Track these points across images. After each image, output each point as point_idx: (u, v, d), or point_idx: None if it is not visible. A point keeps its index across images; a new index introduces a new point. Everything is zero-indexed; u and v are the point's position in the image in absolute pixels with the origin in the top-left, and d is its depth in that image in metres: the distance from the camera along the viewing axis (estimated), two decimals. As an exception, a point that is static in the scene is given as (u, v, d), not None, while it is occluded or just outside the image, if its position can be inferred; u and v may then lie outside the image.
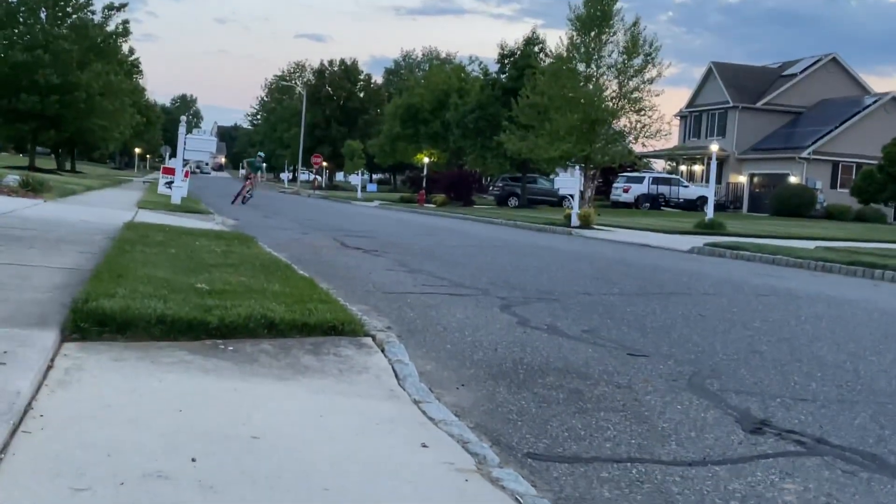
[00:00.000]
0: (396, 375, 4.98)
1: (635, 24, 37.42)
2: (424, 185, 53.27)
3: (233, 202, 31.45)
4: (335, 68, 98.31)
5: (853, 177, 50.60)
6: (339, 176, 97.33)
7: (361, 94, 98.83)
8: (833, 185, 53.04)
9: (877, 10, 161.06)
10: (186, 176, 25.98)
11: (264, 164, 35.67)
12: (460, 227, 26.69)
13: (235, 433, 3.63)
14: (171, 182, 24.83)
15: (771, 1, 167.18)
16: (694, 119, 64.34)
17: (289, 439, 3.64)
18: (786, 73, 62.19)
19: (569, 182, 32.31)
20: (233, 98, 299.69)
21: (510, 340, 6.67)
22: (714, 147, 32.67)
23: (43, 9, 55.14)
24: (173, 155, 28.45)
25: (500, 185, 55.01)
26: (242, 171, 36.31)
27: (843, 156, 53.43)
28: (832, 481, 3.76)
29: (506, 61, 54.67)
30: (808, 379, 5.80)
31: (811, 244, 20.93)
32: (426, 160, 59.05)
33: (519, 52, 53.59)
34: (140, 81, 79.79)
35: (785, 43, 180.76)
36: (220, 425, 3.73)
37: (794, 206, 47.75)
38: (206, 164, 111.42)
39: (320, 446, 3.61)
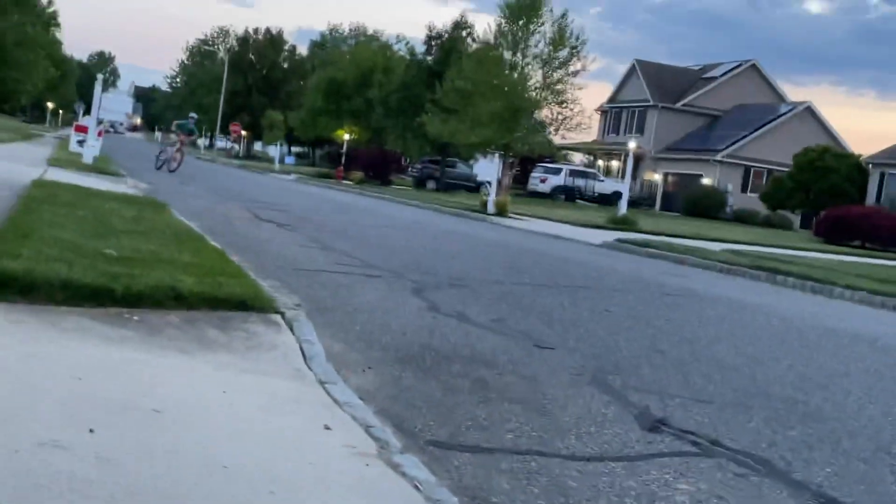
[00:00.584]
0: (304, 355, 4.96)
1: (564, 16, 37.70)
2: (343, 161, 52.94)
3: (158, 167, 29.47)
4: (260, 36, 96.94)
5: (764, 182, 51.84)
6: (258, 146, 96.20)
7: (285, 65, 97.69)
8: (744, 189, 54.27)
9: (798, 20, 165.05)
10: (100, 135, 25.40)
11: (195, 127, 34.37)
12: (377, 206, 26.62)
13: (136, 405, 3.58)
14: (84, 140, 24.27)
15: (696, 3, 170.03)
16: (614, 115, 65.13)
17: (190, 414, 3.61)
18: (706, 75, 63.37)
19: (487, 169, 32.45)
20: (153, 59, 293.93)
21: (419, 325, 6.69)
22: (632, 144, 33.14)
23: (-41, -48, 53.34)
24: (87, 112, 27.85)
25: (420, 167, 55.01)
26: (172, 135, 33.31)
27: (755, 161, 54.69)
28: (724, 483, 3.87)
29: (433, 43, 54.56)
30: (707, 381, 5.94)
31: (719, 246, 21.39)
32: (347, 136, 58.67)
33: (447, 35, 53.55)
34: (57, 34, 77.70)
35: (707, 45, 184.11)
36: (121, 396, 3.67)
37: (704, 207, 48.80)
38: (121, 124, 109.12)
39: (222, 422, 3.58)
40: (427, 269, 10.39)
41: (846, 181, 43.81)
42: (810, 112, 57.21)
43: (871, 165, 45.34)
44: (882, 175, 44.86)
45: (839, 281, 14.44)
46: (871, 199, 43.48)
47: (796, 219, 47.86)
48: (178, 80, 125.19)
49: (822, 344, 8.38)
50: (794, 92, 73.76)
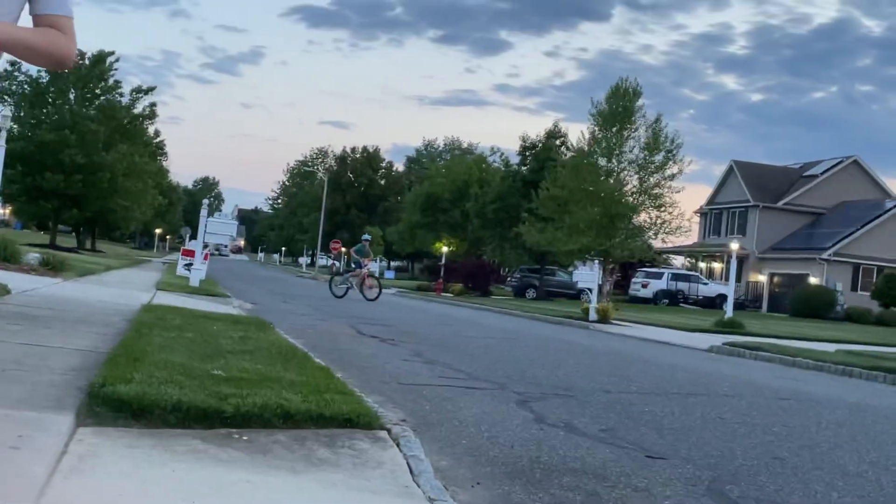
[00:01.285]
0: (411, 471, 4.91)
1: (657, 120, 37.90)
2: (442, 273, 53.35)
3: (340, 295, 28.62)
4: (357, 155, 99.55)
5: (874, 279, 50.42)
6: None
7: (382, 182, 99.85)
8: (854, 288, 52.82)
9: (895, 112, 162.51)
10: (206, 258, 26.14)
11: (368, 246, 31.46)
12: (477, 317, 26.63)
13: (247, 528, 3.57)
14: (191, 264, 24.98)
15: (791, 101, 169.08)
16: (714, 216, 64.53)
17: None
18: (807, 173, 62.54)
19: (587, 276, 32.33)
20: (254, 181, 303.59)
21: (526, 437, 6.59)
22: (734, 245, 32.70)
23: (72, 90, 56.23)
24: (194, 237, 28.71)
25: (519, 276, 55.07)
26: (354, 264, 30.60)
27: (863, 258, 53.34)
28: None
29: (527, 153, 55.23)
30: (830, 488, 5.68)
31: (832, 347, 20.75)
32: (445, 249, 59.28)
33: (540, 145, 54.17)
34: (164, 163, 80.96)
35: (805, 144, 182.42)
36: (232, 519, 3.66)
37: (814, 307, 47.53)
38: (226, 247, 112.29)
39: (332, 545, 3.53)
40: (531, 380, 10.28)
41: (962, 274, 42.29)
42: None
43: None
44: None
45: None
46: None
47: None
48: (279, 201, 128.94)
49: (950, 447, 7.98)
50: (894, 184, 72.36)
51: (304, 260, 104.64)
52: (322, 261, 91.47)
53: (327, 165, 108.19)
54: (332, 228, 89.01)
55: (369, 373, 9.62)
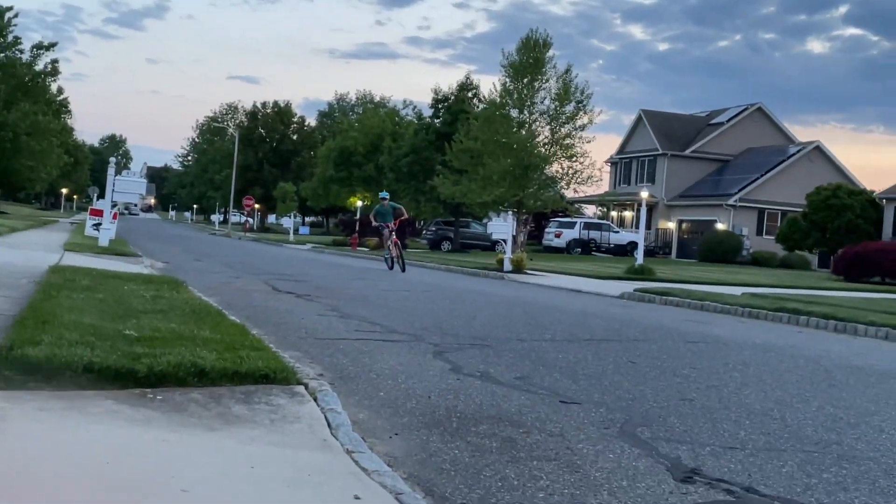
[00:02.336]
0: (329, 425, 4.94)
1: (567, 71, 38.00)
2: (357, 228, 53.16)
3: (390, 267, 24.81)
4: (268, 110, 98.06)
5: (778, 224, 51.73)
6: (271, 218, 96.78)
7: (294, 137, 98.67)
8: (759, 232, 54.19)
9: (801, 61, 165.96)
10: (115, 218, 25.61)
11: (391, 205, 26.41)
12: (393, 271, 26.64)
13: (165, 486, 3.56)
14: (99, 224, 24.46)
15: (697, 50, 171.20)
16: (624, 165, 65.36)
17: (219, 492, 3.58)
18: (713, 121, 63.67)
19: (501, 227, 32.56)
20: (163, 139, 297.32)
21: (443, 388, 6.66)
22: (644, 193, 33.17)
23: (-31, 47, 54.32)
24: (101, 196, 28.10)
25: (434, 228, 55.16)
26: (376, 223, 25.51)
27: (768, 203, 54.66)
28: (761, 530, 3.81)
29: (439, 106, 55.06)
30: (737, 427, 5.87)
31: (738, 290, 21.30)
32: (359, 203, 58.99)
33: (453, 98, 54.05)
34: (68, 121, 78.81)
35: (711, 92, 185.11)
36: (149, 478, 3.65)
37: (721, 252, 48.68)
38: (135, 206, 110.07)
39: (252, 498, 3.55)
40: (448, 331, 10.37)
41: (861, 217, 43.67)
42: (819, 151, 57.34)
43: (884, 200, 45.26)
44: (897, 209, 44.72)
45: (862, 318, 14.34)
46: (887, 234, 43.32)
47: (814, 258, 47.73)
48: (189, 158, 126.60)
49: (850, 383, 8.29)
50: (801, 132, 74.23)
51: (216, 217, 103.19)
52: (235, 218, 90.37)
53: (238, 121, 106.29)
54: (244, 185, 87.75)
55: (285, 329, 9.59)
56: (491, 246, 49.31)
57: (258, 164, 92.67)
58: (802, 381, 8.15)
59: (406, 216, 25.69)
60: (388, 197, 26.26)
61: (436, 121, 54.86)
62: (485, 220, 55.11)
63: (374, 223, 25.57)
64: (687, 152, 60.44)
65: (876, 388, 8.11)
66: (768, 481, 4.57)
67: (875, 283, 31.22)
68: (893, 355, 11.24)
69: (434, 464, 4.58)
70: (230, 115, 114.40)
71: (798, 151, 57.21)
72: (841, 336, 13.55)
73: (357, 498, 3.66)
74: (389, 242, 24.80)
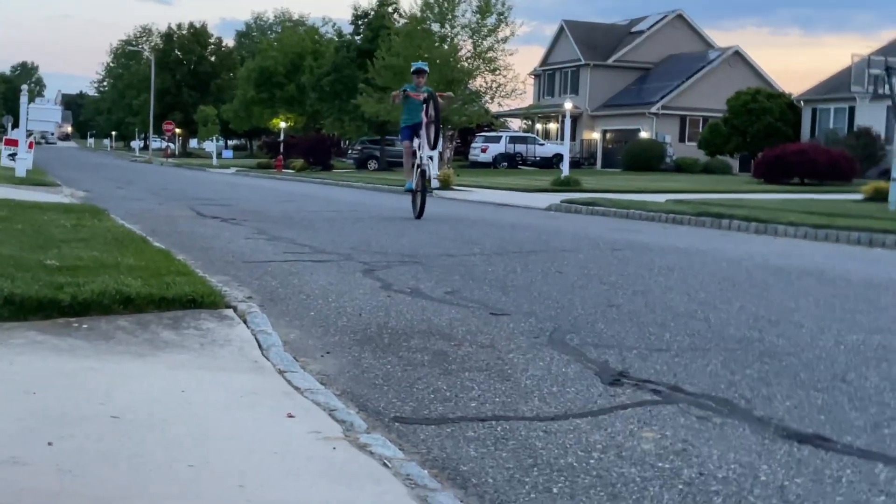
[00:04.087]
0: (260, 346, 4.93)
1: (487, -17, 37.68)
2: (282, 150, 52.56)
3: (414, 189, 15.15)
4: (184, 32, 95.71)
5: (700, 130, 52.37)
6: (193, 143, 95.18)
7: (213, 59, 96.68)
8: (681, 139, 54.86)
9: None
10: (31, 147, 24.96)
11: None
12: (320, 192, 26.49)
13: (94, 414, 3.54)
14: (15, 154, 23.85)
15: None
16: (547, 77, 65.32)
17: (150, 417, 3.57)
18: (634, 29, 63.79)
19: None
20: (77, 65, 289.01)
21: (374, 305, 6.68)
22: (568, 105, 33.25)
23: None
24: (16, 125, 27.32)
25: (359, 148, 54.84)
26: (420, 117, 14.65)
27: (690, 110, 55.24)
28: (687, 427, 3.91)
29: (360, 23, 54.32)
30: (663, 329, 6.00)
31: (662, 197, 21.60)
32: (283, 125, 58.24)
33: (373, 13, 53.31)
34: (-24, 49, 76.07)
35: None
36: (77, 406, 3.62)
37: (645, 160, 49.22)
38: (52, 134, 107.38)
39: (183, 423, 3.54)
40: (377, 249, 10.36)
41: (780, 121, 44.40)
42: (739, 56, 57.88)
43: (802, 103, 46.01)
44: (814, 111, 45.54)
45: (782, 219, 14.66)
46: (805, 136, 44.14)
47: (735, 163, 48.52)
48: (105, 84, 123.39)
49: (770, 282, 8.51)
50: (721, 37, 74.70)
51: (136, 144, 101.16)
52: (156, 143, 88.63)
53: (153, 44, 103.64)
54: (163, 109, 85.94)
55: (212, 253, 9.50)
56: (417, 163, 49.12)
57: (177, 87, 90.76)
58: (725, 283, 8.34)
59: (442, 106, 15.61)
60: (425, 70, 15.19)
61: (356, 38, 54.17)
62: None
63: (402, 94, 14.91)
64: (609, 62, 60.60)
65: (795, 285, 8.33)
66: (693, 380, 4.69)
67: (794, 184, 31.89)
68: (812, 254, 11.53)
69: (367, 379, 4.62)
70: (145, 38, 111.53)
71: (718, 57, 57.72)
72: (762, 237, 13.86)
73: (290, 416, 3.68)
74: (418, 162, 14.84)
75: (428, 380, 4.61)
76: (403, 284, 7.69)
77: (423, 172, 14.89)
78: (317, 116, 58.43)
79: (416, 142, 14.81)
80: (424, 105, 14.43)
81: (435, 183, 27.58)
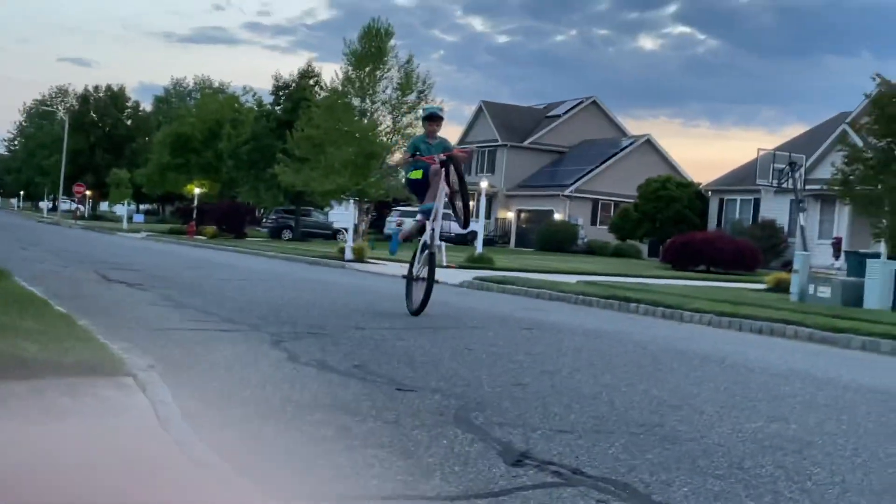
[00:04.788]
0: (158, 416, 4.81)
1: (409, 61, 38.27)
2: (195, 216, 52.02)
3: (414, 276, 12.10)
4: (101, 94, 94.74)
5: (612, 214, 53.42)
6: (104, 206, 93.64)
7: (129, 122, 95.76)
8: (593, 222, 55.84)
9: (633, 56, 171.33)
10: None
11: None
12: (232, 260, 26.22)
13: (-21, 483, 3.40)
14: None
15: (535, 44, 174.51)
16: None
17: (47, 487, 3.44)
18: (550, 113, 65.18)
19: (343, 215, 32.50)
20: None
21: (279, 377, 6.59)
22: (484, 183, 33.70)
23: None
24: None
25: (274, 217, 54.61)
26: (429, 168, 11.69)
27: (602, 194, 56.36)
28: (587, 510, 3.92)
29: (280, 93, 54.45)
30: (568, 410, 6.03)
31: (573, 278, 21.87)
32: (197, 191, 57.70)
33: (294, 85, 53.52)
34: None
35: (548, 85, 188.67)
36: (-38, 475, 3.48)
37: (558, 241, 49.95)
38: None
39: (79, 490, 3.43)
40: (286, 320, 10.26)
41: (688, 209, 45.58)
42: (650, 144, 59.47)
43: (710, 192, 47.33)
44: (721, 201, 46.87)
45: (688, 305, 14.95)
46: (712, 224, 45.35)
47: (644, 247, 49.45)
48: (16, 142, 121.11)
49: (674, 367, 8.64)
50: (634, 126, 76.97)
51: (45, 204, 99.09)
52: (65, 205, 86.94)
53: (68, 105, 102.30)
54: (76, 171, 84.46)
55: (115, 319, 9.30)
56: (332, 235, 49.16)
57: (90, 149, 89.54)
58: (630, 366, 8.44)
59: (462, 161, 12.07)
60: (440, 117, 12.11)
61: (277, 108, 54.22)
62: (326, 209, 54.88)
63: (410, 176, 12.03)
64: (525, 143, 61.70)
65: (698, 371, 8.47)
66: (595, 462, 4.72)
67: (700, 271, 32.60)
68: (715, 340, 11.76)
69: (267, 453, 4.53)
70: (60, 99, 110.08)
71: (630, 144, 59.23)
72: (668, 322, 14.10)
73: (185, 489, 3.59)
74: (425, 240, 11.77)
75: (330, 455, 4.55)
76: (311, 357, 7.61)
77: (431, 256, 11.45)
78: (232, 184, 58.01)
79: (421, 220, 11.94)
80: (443, 171, 11.39)
81: (349, 255, 27.52)
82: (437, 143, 11.70)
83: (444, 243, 11.55)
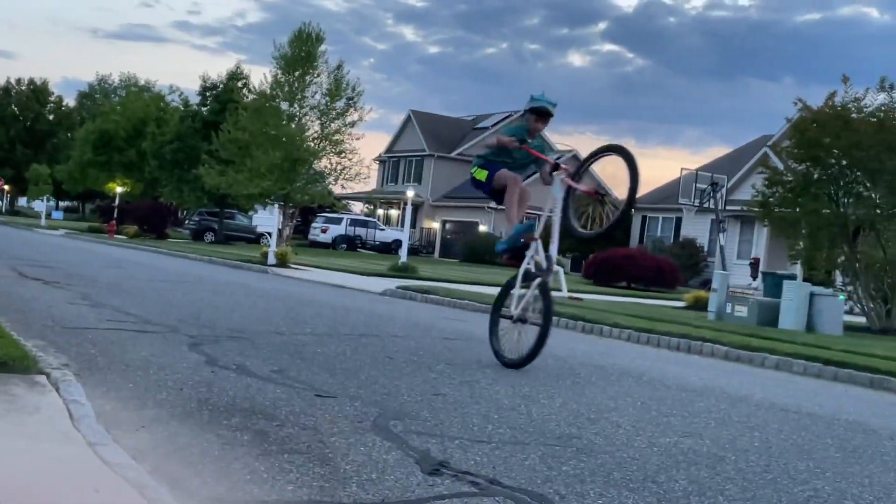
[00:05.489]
0: (71, 416, 4.73)
1: (339, 67, 38.16)
2: (116, 215, 51.14)
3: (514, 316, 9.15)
4: (23, 87, 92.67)
5: (536, 228, 53.78)
6: (23, 201, 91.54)
7: (51, 117, 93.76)
8: (518, 235, 56.10)
9: (562, 72, 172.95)
10: None
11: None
12: (152, 260, 25.83)
13: None
14: None
15: (466, 56, 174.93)
16: (392, 164, 66.14)
17: (-57, 486, 3.36)
18: (479, 125, 65.55)
19: (267, 220, 32.25)
20: None
21: (197, 380, 6.52)
22: (410, 193, 33.72)
23: None
24: None
25: (197, 219, 53.91)
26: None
27: (528, 207, 56.67)
28: (502, 520, 3.95)
29: (208, 94, 53.83)
30: (486, 421, 6.07)
31: (495, 290, 21.96)
32: (119, 189, 56.73)
33: (222, 86, 52.94)
34: None
35: (478, 97, 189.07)
36: None
37: (481, 253, 50.18)
38: None
39: (-21, 494, 3.35)
40: (205, 323, 10.15)
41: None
42: (577, 160, 59.86)
43: (633, 210, 47.98)
44: (644, 218, 47.58)
45: (608, 320, 15.13)
46: (634, 241, 46.00)
47: (567, 262, 49.89)
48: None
49: (592, 380, 8.74)
50: (561, 141, 77.65)
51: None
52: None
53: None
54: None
55: (30, 316, 9.11)
56: (256, 239, 48.71)
57: (10, 143, 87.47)
58: (549, 378, 8.52)
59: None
60: (551, 113, 9.38)
61: (203, 109, 53.56)
62: (250, 213, 54.36)
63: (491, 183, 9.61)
64: (453, 154, 61.93)
65: (616, 385, 8.58)
66: (511, 473, 4.75)
67: (621, 287, 33.03)
68: (634, 355, 11.92)
69: (182, 456, 4.48)
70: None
71: (557, 159, 59.54)
72: (588, 336, 14.26)
73: (97, 491, 3.53)
74: (529, 268, 9.06)
75: (246, 460, 4.51)
76: (230, 360, 7.54)
77: (544, 287, 8.71)
78: (155, 184, 57.12)
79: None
80: (565, 188, 9.30)
81: (272, 259, 27.32)
82: (536, 142, 9.55)
83: (560, 268, 8.96)
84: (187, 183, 49.77)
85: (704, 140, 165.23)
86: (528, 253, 9.01)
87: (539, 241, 9.10)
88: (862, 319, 21.43)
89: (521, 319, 8.87)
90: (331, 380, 7.11)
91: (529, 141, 9.23)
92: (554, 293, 8.77)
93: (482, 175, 9.43)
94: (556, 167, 9.21)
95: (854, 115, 20.67)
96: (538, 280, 8.70)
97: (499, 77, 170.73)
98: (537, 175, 9.78)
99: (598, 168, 9.01)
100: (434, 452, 5.03)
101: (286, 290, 18.08)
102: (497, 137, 9.14)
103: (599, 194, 9.76)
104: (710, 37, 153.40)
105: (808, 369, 11.78)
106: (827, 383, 11.08)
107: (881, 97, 20.78)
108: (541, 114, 9.20)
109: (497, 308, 9.41)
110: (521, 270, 8.99)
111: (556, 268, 8.82)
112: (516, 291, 9.01)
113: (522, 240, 9.12)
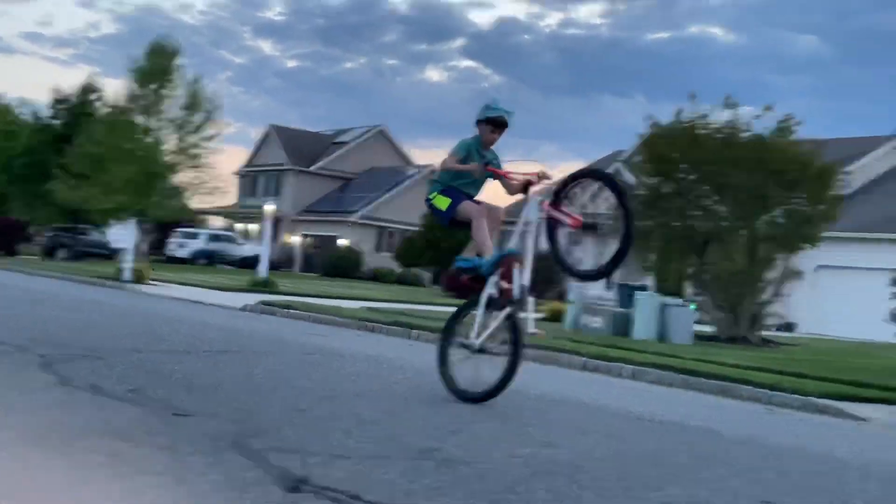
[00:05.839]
0: (-88, 443, 4.53)
1: (196, 81, 37.59)
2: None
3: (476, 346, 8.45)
4: None
5: (396, 241, 54.11)
6: None
7: None
8: (378, 249, 56.38)
9: (420, 87, 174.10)
10: None
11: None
12: (1, 278, 24.83)
13: None
14: None
15: (325, 70, 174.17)
16: (251, 178, 65.43)
17: None
18: (338, 140, 65.55)
19: (122, 235, 31.38)
20: None
21: (48, 402, 6.32)
22: (269, 207, 33.38)
23: None
24: None
25: (49, 235, 52.04)
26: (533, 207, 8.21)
27: (387, 221, 57.03)
28: (362, 534, 3.97)
29: (59, 107, 52.15)
30: (347, 436, 6.07)
31: (357, 304, 21.99)
32: (-35, 204, 54.31)
33: (75, 99, 51.38)
34: None
35: (337, 111, 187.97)
36: None
37: (342, 267, 50.15)
38: None
39: None
40: (58, 342, 9.83)
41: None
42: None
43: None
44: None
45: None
46: (495, 254, 46.46)
47: (429, 275, 50.26)
48: None
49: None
50: (420, 155, 78.40)
51: None
52: None
53: None
54: None
55: None
56: (110, 255, 47.31)
57: None
58: (410, 392, 8.59)
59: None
60: (507, 123, 8.32)
61: (55, 122, 51.86)
62: (104, 229, 52.84)
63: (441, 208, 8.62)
64: (313, 168, 61.71)
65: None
66: (373, 488, 4.77)
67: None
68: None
69: (28, 484, 4.34)
70: None
71: (415, 173, 60.23)
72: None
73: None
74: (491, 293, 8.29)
75: (99, 483, 4.41)
76: (83, 381, 7.33)
77: (512, 319, 8.09)
78: (4, 199, 54.93)
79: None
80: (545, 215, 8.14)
81: (128, 275, 26.61)
82: (491, 155, 8.56)
83: (532, 298, 8.19)
84: (39, 198, 48.03)
85: (560, 155, 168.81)
86: (493, 279, 8.21)
87: (520, 269, 8.09)
88: (711, 328, 22.29)
89: (482, 350, 8.22)
90: (189, 398, 7.00)
91: (485, 153, 8.45)
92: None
93: (443, 203, 8.48)
94: (527, 185, 8.29)
95: (701, 132, 21.52)
96: (507, 310, 8.02)
97: (358, 91, 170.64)
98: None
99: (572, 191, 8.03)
100: (294, 469, 5.01)
101: (143, 306, 17.67)
102: (458, 165, 8.28)
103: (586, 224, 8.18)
104: (564, 54, 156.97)
105: (662, 378, 12.20)
106: (679, 391, 11.51)
107: (726, 114, 21.69)
108: (497, 124, 8.36)
109: (448, 336, 8.69)
110: (485, 296, 8.25)
111: (522, 303, 8.10)
112: (478, 319, 8.27)
113: (500, 269, 8.18)
